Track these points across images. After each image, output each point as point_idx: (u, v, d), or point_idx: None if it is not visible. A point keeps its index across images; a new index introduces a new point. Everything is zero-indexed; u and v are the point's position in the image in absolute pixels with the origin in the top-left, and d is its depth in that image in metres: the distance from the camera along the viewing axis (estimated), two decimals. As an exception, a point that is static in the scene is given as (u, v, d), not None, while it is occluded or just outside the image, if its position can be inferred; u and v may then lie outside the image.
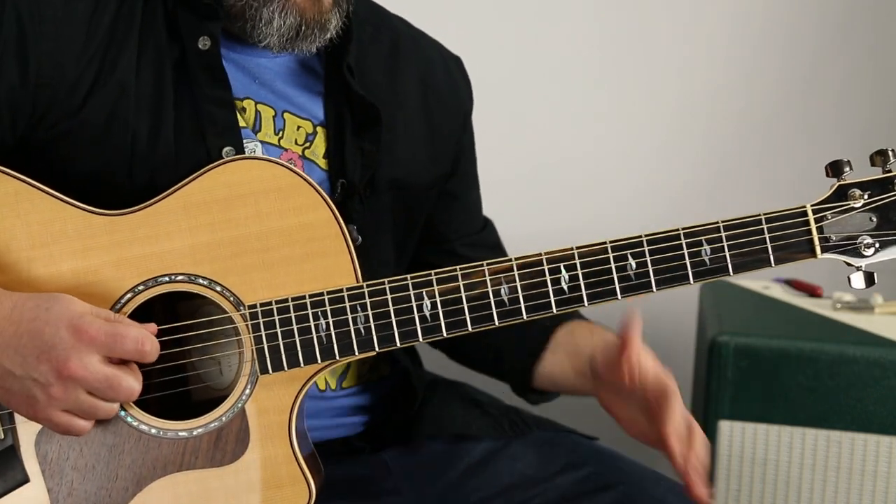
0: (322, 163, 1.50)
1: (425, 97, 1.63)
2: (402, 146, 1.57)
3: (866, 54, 2.71)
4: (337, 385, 1.55)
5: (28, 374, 1.17)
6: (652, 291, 1.29)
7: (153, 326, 1.23)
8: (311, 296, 1.27)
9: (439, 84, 1.66)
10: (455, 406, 1.65)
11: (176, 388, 1.32)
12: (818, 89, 2.72)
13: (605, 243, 1.29)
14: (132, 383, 1.20)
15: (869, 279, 1.30)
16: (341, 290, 1.27)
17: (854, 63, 2.70)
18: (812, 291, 2.37)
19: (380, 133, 1.51)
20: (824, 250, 1.29)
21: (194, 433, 1.26)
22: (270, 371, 1.26)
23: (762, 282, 2.42)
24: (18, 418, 1.25)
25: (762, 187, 2.72)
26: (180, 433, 1.26)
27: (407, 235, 1.63)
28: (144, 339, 1.20)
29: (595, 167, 2.73)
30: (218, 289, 1.27)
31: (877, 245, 1.29)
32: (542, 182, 2.70)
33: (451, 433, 1.58)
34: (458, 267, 1.28)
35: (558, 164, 2.71)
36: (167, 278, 1.27)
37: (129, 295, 1.26)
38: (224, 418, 1.27)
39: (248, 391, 1.27)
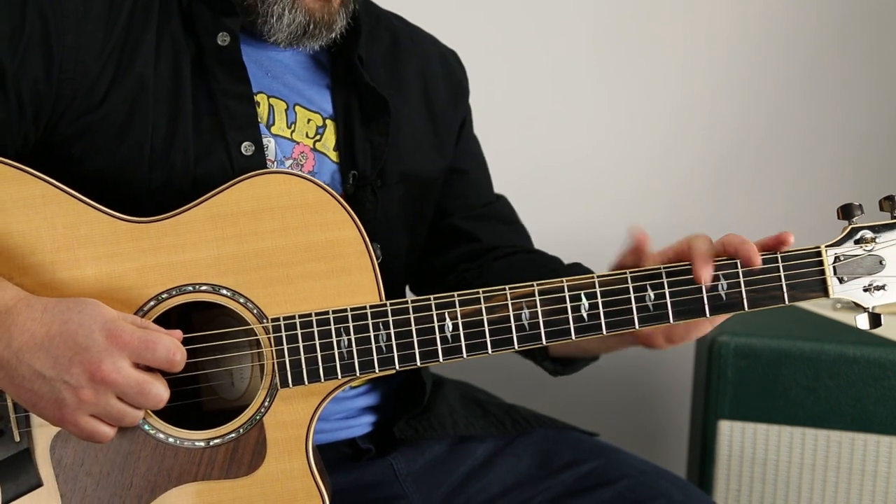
0: (333, 155, 1.50)
1: (425, 91, 1.65)
2: (407, 139, 1.58)
3: (866, 54, 2.72)
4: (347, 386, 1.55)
5: (59, 376, 1.17)
6: (669, 323, 1.30)
7: (179, 333, 1.23)
8: (334, 311, 1.27)
9: (437, 77, 1.68)
10: (457, 406, 1.66)
11: (188, 397, 1.33)
12: (818, 90, 2.73)
13: (625, 273, 1.29)
14: (161, 390, 1.20)
15: (874, 321, 1.33)
16: (364, 308, 1.27)
17: (854, 63, 2.71)
18: (812, 292, 2.38)
19: (388, 124, 1.52)
20: (836, 291, 1.31)
21: (211, 444, 1.27)
22: (290, 385, 1.27)
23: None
24: (35, 422, 1.25)
25: (761, 188, 2.74)
26: (197, 443, 1.27)
27: (417, 226, 1.64)
28: (176, 349, 1.19)
29: (594, 168, 2.74)
30: (241, 300, 1.27)
31: (885, 288, 1.31)
32: (540, 183, 2.71)
33: (454, 435, 1.60)
34: (480, 290, 1.29)
35: (557, 165, 2.72)
36: (191, 287, 1.26)
37: (152, 303, 1.26)
38: (242, 430, 1.27)
39: (266, 404, 1.27)
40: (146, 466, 1.26)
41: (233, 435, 1.27)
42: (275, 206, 1.27)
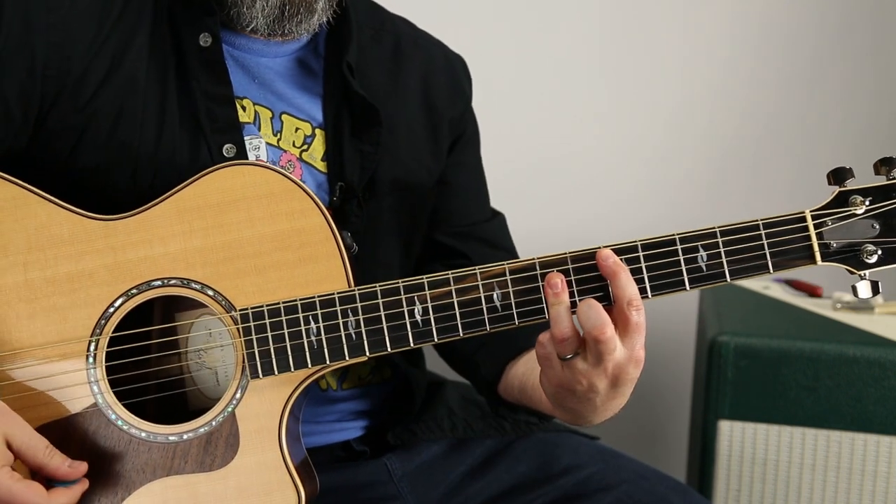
0: (321, 165, 1.49)
1: (427, 96, 1.61)
2: (404, 147, 1.56)
3: (866, 54, 2.71)
4: (338, 385, 1.55)
5: None
6: (647, 298, 1.26)
7: (82, 467, 1.22)
8: (301, 300, 1.26)
9: (441, 82, 1.64)
10: (456, 408, 1.65)
11: (170, 394, 1.33)
12: (818, 89, 2.72)
13: (598, 249, 1.25)
14: None
15: (874, 287, 1.27)
16: (332, 295, 1.26)
17: (854, 63, 2.70)
18: (812, 291, 2.37)
19: (379, 134, 1.50)
20: (824, 257, 1.25)
21: (184, 437, 1.26)
22: (261, 375, 1.26)
23: (762, 282, 2.42)
24: None
25: (761, 187, 2.73)
26: (170, 437, 1.26)
27: (412, 236, 1.62)
28: None
29: (594, 166, 2.74)
30: (210, 293, 1.27)
31: (879, 253, 1.25)
32: (541, 180, 2.70)
33: (452, 436, 1.58)
34: (450, 272, 1.26)
35: (557, 163, 2.72)
36: (160, 282, 1.27)
37: (122, 299, 1.26)
38: (214, 423, 1.26)
39: (238, 396, 1.26)
40: (120, 463, 1.25)
41: (204, 428, 1.26)
42: (240, 198, 1.28)
